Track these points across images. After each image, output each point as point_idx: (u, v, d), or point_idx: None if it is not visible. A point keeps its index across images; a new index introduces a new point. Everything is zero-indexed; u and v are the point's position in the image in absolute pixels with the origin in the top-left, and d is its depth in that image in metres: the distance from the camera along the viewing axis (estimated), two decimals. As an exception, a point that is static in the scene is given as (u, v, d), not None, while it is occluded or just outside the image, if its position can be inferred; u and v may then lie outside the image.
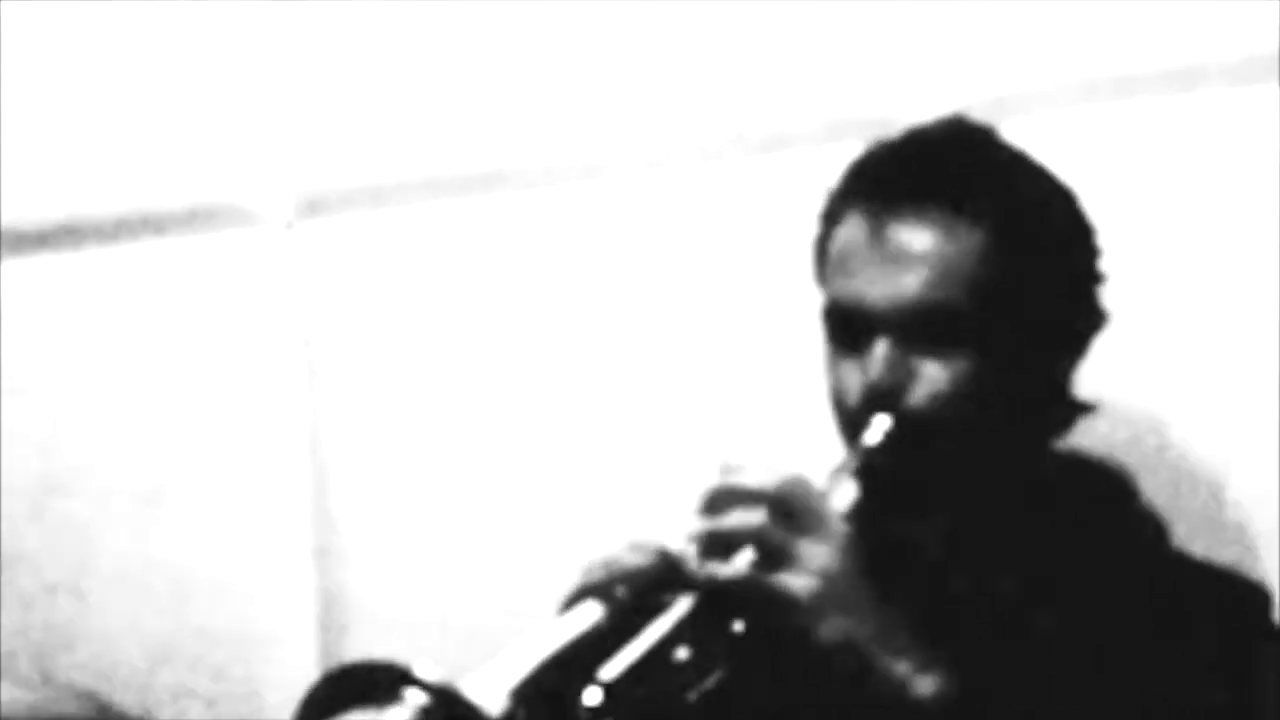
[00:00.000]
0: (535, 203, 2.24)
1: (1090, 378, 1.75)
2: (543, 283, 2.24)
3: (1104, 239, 1.73)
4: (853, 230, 1.70)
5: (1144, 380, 1.95)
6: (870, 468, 1.64)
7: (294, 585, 2.35)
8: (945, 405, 1.65)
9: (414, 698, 1.32)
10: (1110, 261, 1.74)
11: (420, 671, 1.33)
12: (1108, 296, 1.73)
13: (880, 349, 1.65)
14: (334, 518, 2.34)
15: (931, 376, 1.65)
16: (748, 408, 2.13)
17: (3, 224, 2.43)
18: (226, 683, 2.39)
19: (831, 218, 1.74)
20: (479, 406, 2.27)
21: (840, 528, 1.56)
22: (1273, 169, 1.92)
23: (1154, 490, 1.78)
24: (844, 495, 1.64)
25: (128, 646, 2.42)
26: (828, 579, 1.53)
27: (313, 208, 2.33)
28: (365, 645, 2.27)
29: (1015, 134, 1.77)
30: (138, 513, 2.41)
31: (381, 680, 1.34)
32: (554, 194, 2.23)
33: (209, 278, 2.38)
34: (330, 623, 2.33)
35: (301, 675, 2.27)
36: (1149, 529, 1.74)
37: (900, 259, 1.66)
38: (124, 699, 2.30)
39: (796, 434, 1.90)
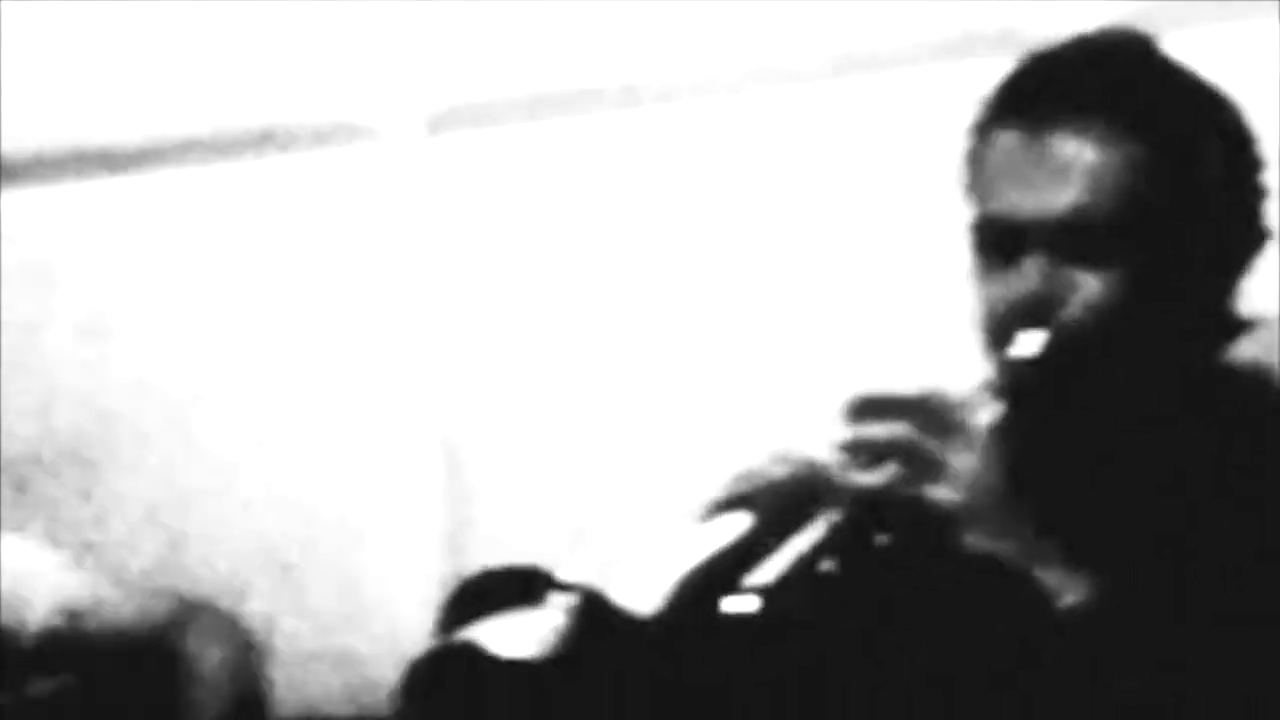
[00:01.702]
0: (661, 118, 2.23)
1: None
2: (669, 198, 2.23)
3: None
4: (1007, 143, 1.65)
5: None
6: (1019, 382, 1.61)
7: (420, 499, 2.35)
8: (1099, 319, 1.60)
9: (561, 599, 1.30)
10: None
11: (568, 573, 1.31)
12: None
13: (1033, 262, 1.61)
14: (464, 428, 2.34)
15: (1086, 290, 1.60)
16: (880, 319, 2.11)
17: (143, 139, 2.44)
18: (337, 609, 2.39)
19: (984, 130, 1.70)
20: (609, 323, 2.26)
21: (985, 440, 1.52)
22: None
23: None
24: (988, 410, 1.60)
25: (248, 567, 2.42)
26: (974, 490, 1.50)
27: (440, 123, 2.32)
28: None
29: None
30: (264, 431, 2.42)
31: (529, 583, 1.32)
32: (680, 109, 2.22)
33: (337, 194, 2.38)
34: (458, 534, 2.32)
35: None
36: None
37: (1056, 171, 1.61)
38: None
39: (928, 347, 1.86)
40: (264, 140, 2.40)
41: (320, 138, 2.37)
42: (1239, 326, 1.68)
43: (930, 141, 1.76)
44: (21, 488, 2.46)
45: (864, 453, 1.51)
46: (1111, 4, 1.97)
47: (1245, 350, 1.71)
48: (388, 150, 2.35)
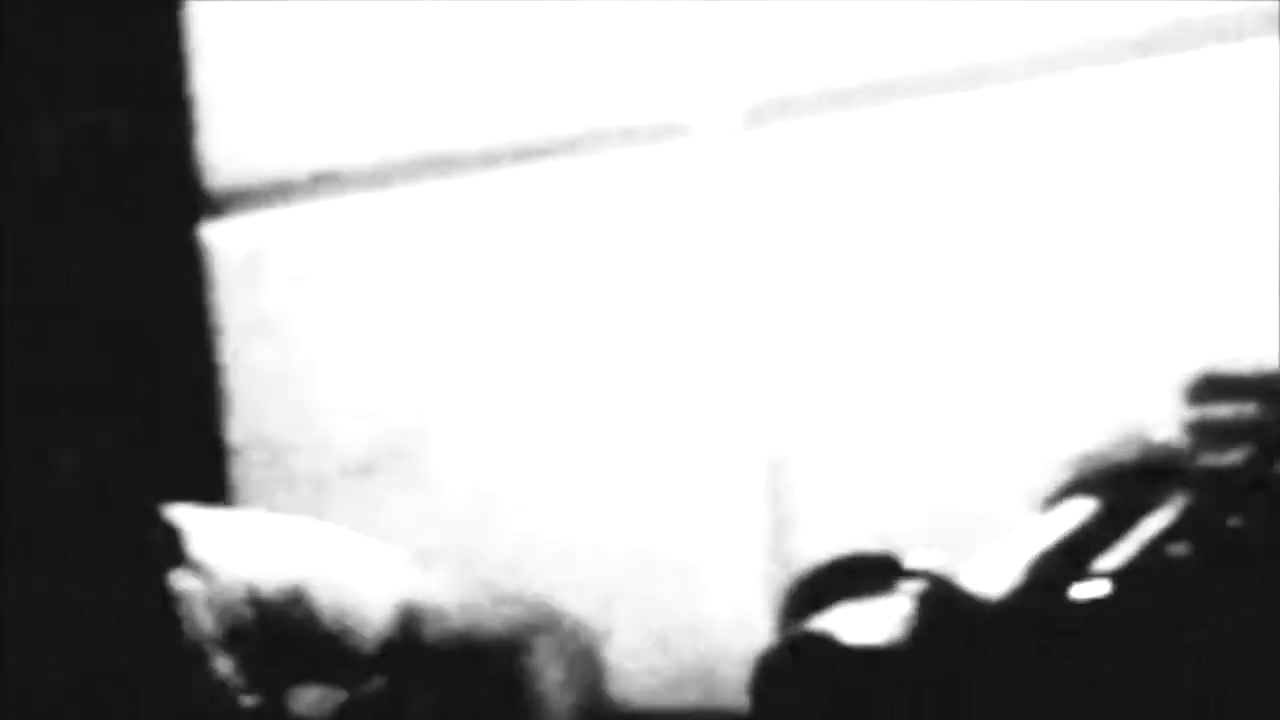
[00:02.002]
0: (975, 104, 2.18)
1: None
2: (998, 183, 2.18)
3: None
4: None
5: None
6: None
7: (743, 495, 2.34)
8: None
9: (909, 586, 1.29)
10: None
11: (915, 560, 1.30)
12: None
13: None
14: (786, 425, 2.31)
15: None
16: (1216, 293, 2.06)
17: (450, 147, 2.46)
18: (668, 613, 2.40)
19: None
20: (941, 309, 2.22)
21: None
22: None
23: None
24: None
25: (575, 565, 2.44)
26: None
27: (757, 117, 2.29)
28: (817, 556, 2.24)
29: None
30: (582, 414, 2.43)
31: (874, 570, 1.31)
32: (1017, 90, 2.17)
33: (654, 193, 2.37)
34: (780, 529, 2.30)
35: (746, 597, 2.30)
36: None
37: None
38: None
39: (1264, 318, 1.80)
40: (575, 143, 2.40)
41: (633, 137, 2.36)
42: None
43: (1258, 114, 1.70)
44: (356, 493, 2.51)
45: (1213, 433, 1.48)
46: None
47: None
48: (703, 147, 2.33)
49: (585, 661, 2.00)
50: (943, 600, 1.28)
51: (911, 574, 1.30)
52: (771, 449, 2.32)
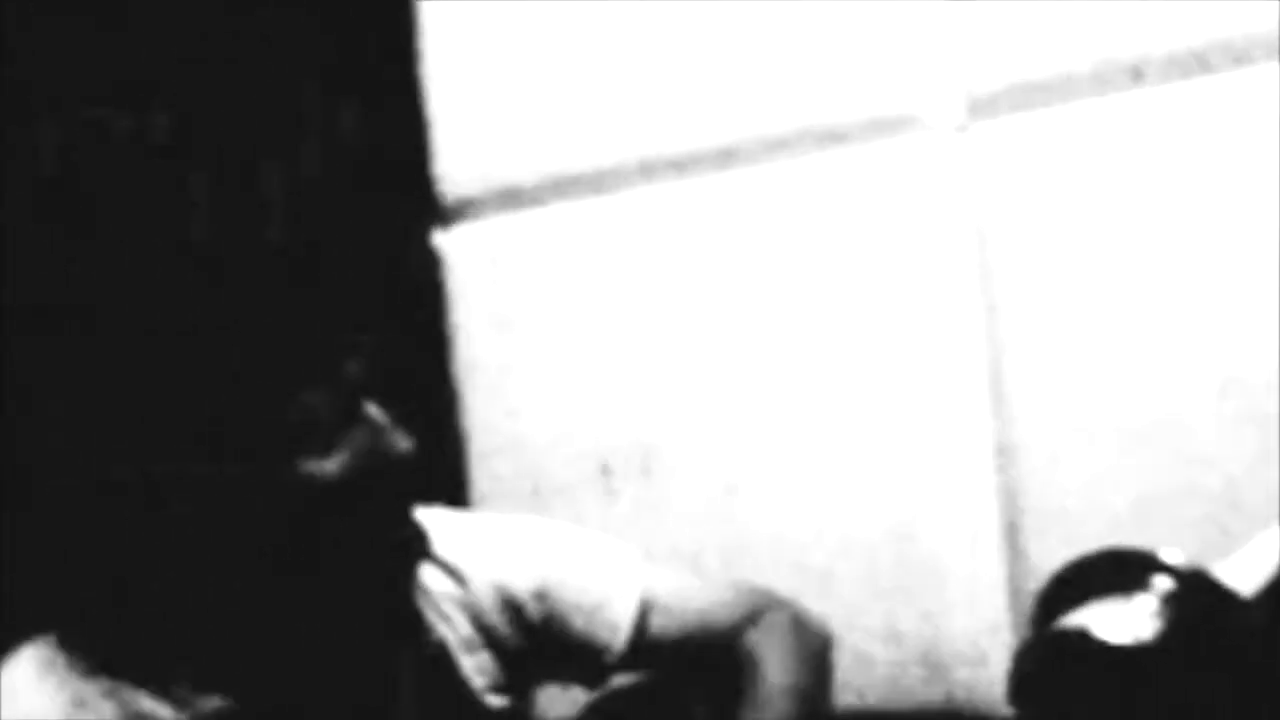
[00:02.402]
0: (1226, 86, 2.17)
1: None
2: (1219, 172, 2.17)
3: None
4: None
5: None
6: None
7: (974, 489, 2.35)
8: None
9: (1162, 583, 1.30)
10: None
11: (1168, 557, 1.30)
12: None
13: None
14: (1014, 416, 2.32)
15: None
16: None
17: (689, 149, 2.49)
18: (905, 600, 2.40)
19: None
20: (1163, 292, 2.21)
21: None
22: None
23: None
24: None
25: (806, 553, 2.45)
26: None
27: (982, 109, 2.30)
28: (1051, 550, 2.24)
29: None
30: (808, 409, 2.44)
31: (1128, 567, 1.32)
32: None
33: (882, 187, 2.38)
34: (1013, 523, 2.30)
35: (985, 588, 2.30)
36: None
37: None
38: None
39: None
40: (802, 141, 2.42)
41: (860, 132, 2.38)
42: None
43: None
44: (592, 493, 2.54)
45: None
46: None
47: None
48: (929, 140, 2.34)
49: (810, 642, 1.98)
50: (1198, 596, 1.29)
51: (1166, 570, 1.31)
52: (1001, 440, 2.33)
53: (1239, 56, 2.12)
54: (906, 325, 2.37)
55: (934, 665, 2.36)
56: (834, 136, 2.39)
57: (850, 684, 2.31)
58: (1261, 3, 2.10)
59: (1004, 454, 2.32)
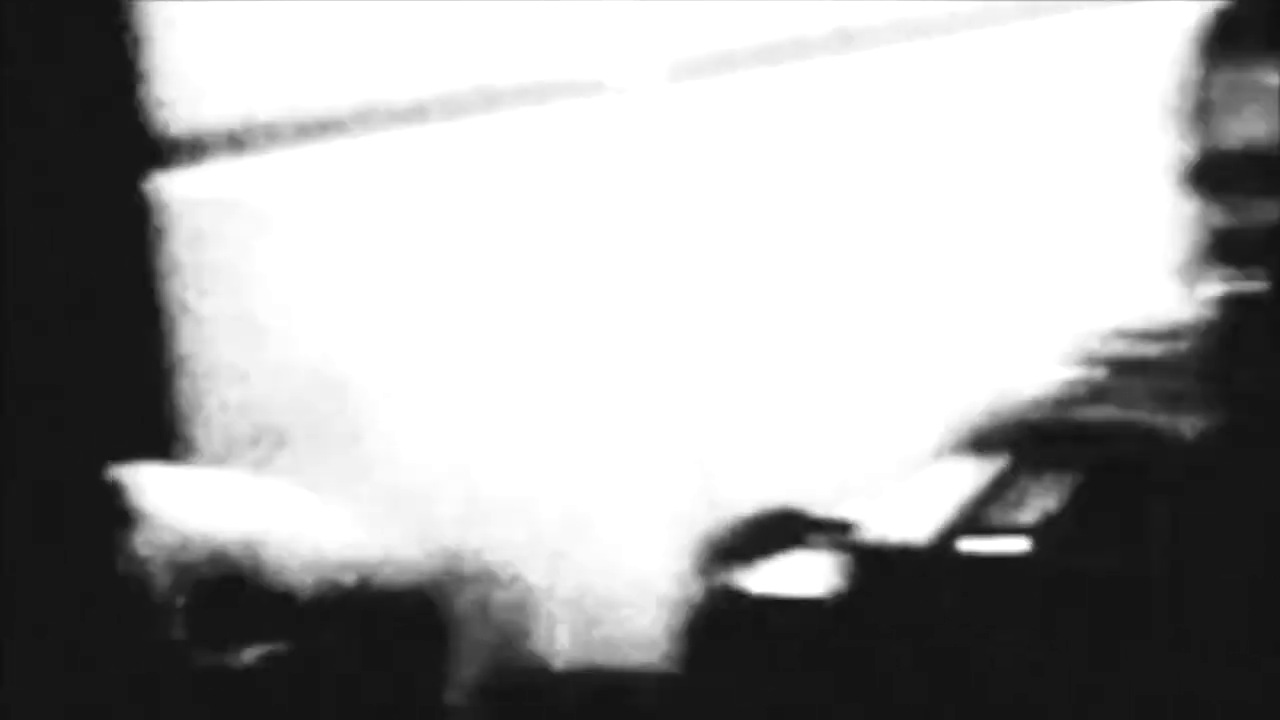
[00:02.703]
0: (901, 59, 2.25)
1: None
2: (915, 139, 2.25)
3: None
4: (1224, 77, 1.67)
5: None
6: (1239, 313, 1.61)
7: (671, 464, 2.40)
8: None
9: (829, 539, 1.36)
10: None
11: (833, 513, 1.37)
12: None
13: (1249, 194, 1.63)
14: (709, 406, 2.37)
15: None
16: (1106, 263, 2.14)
17: (370, 102, 2.49)
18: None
19: (1197, 63, 1.71)
20: (848, 275, 2.29)
21: (1222, 369, 1.55)
22: None
23: None
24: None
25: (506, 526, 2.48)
26: (1216, 417, 1.52)
27: (678, 74, 2.35)
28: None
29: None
30: (501, 397, 2.46)
31: (792, 524, 1.38)
32: (922, 49, 2.24)
33: (581, 147, 2.41)
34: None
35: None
36: None
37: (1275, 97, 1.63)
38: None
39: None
40: (503, 97, 2.44)
41: (558, 92, 2.41)
42: None
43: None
44: (295, 449, 2.54)
45: (1101, 392, 1.55)
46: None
47: None
48: (628, 102, 2.38)
49: (508, 617, 2.04)
50: (864, 552, 1.35)
51: (831, 527, 1.37)
52: (695, 397, 2.38)
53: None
54: (606, 290, 2.41)
55: (626, 629, 2.42)
56: (533, 95, 2.42)
57: (546, 647, 2.35)
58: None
59: (698, 420, 2.38)
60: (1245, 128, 1.63)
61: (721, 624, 1.38)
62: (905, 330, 2.25)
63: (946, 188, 2.23)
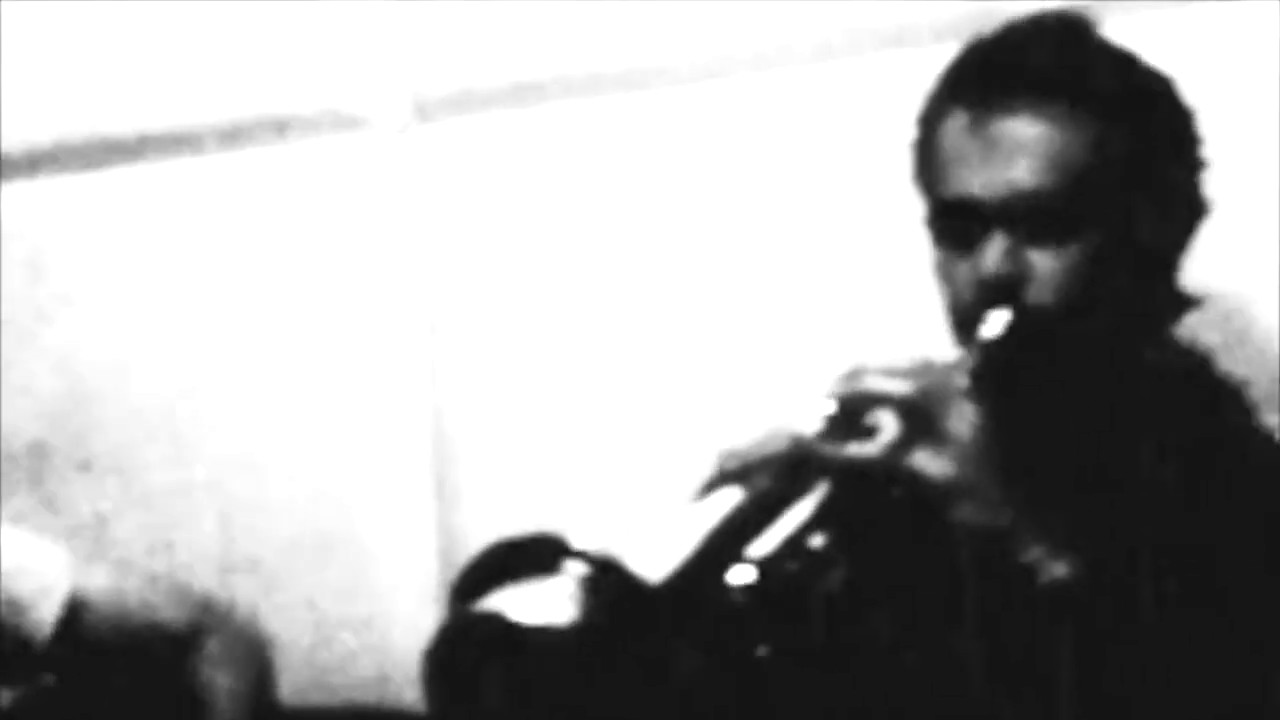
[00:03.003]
0: (645, 104, 2.27)
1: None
2: (660, 184, 2.27)
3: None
4: (959, 128, 1.71)
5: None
6: (990, 362, 1.66)
7: (413, 519, 2.40)
8: (1061, 296, 1.67)
9: (574, 568, 1.37)
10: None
11: (580, 542, 1.38)
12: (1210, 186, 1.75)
13: (995, 243, 1.67)
14: (452, 437, 2.38)
15: (1047, 268, 1.66)
16: (867, 301, 2.17)
17: (106, 133, 2.47)
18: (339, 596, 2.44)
19: (934, 118, 1.75)
20: (596, 313, 2.31)
21: (973, 415, 1.60)
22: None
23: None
24: (970, 388, 1.66)
25: (259, 544, 2.47)
26: (964, 462, 1.56)
27: (426, 112, 2.35)
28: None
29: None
30: (251, 426, 2.46)
31: (541, 552, 1.38)
32: (666, 96, 2.26)
33: (322, 184, 2.41)
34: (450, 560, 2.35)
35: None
36: (1244, 413, 1.79)
37: (1012, 152, 1.67)
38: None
39: (914, 328, 1.91)
40: (251, 131, 2.43)
41: (308, 127, 2.40)
42: (1187, 301, 1.77)
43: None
44: (29, 479, 2.49)
45: (857, 418, 1.58)
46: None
47: (1191, 325, 1.79)
48: (376, 138, 2.38)
49: (254, 661, 2.03)
50: (609, 582, 1.36)
51: (577, 556, 1.38)
52: (437, 434, 2.38)
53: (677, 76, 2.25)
54: (347, 331, 2.41)
55: (379, 651, 2.40)
56: (281, 129, 2.42)
57: (291, 681, 2.32)
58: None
59: (439, 449, 2.38)
60: (989, 177, 1.68)
61: (468, 652, 1.38)
62: (668, 358, 2.28)
63: (711, 228, 2.26)
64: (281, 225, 2.44)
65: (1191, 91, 1.75)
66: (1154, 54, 1.75)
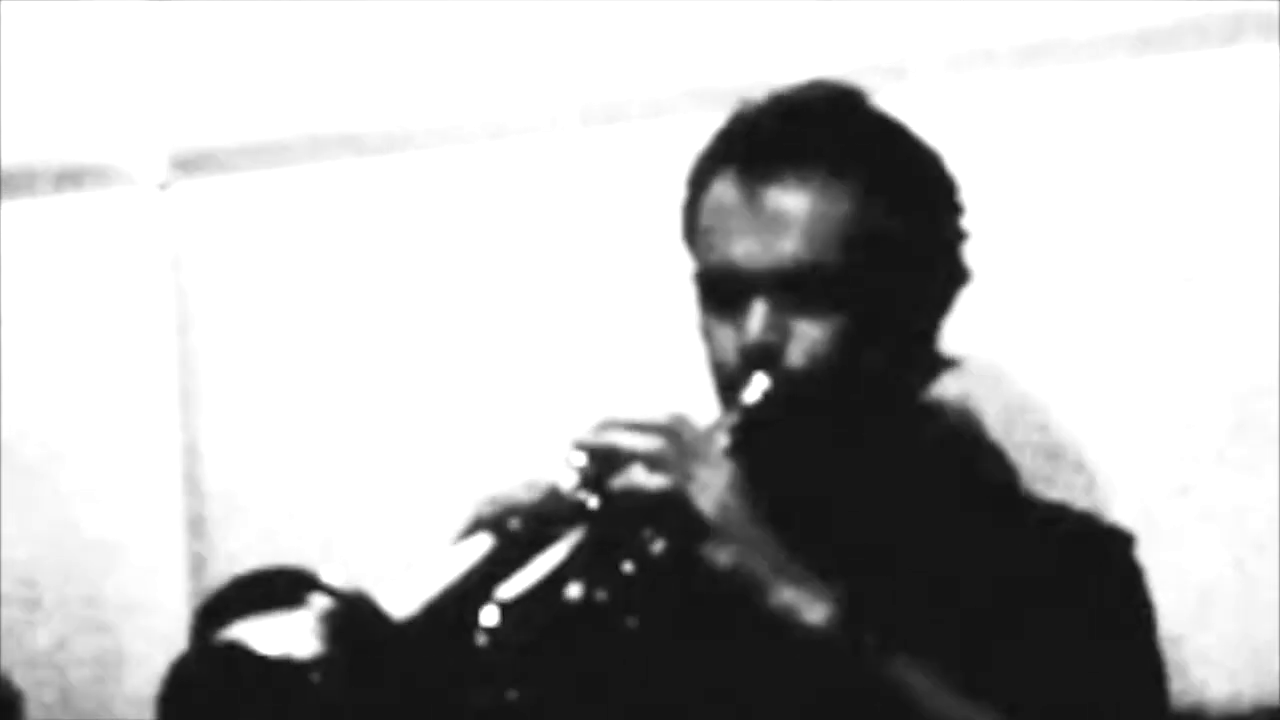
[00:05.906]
0: (407, 165, 2.28)
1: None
2: (414, 243, 2.27)
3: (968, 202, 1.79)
4: (725, 194, 1.72)
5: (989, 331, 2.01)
6: (748, 425, 1.67)
7: (165, 551, 2.37)
8: (821, 363, 1.68)
9: (320, 602, 1.35)
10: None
11: (326, 577, 1.36)
12: (969, 254, 1.78)
13: (757, 310, 1.68)
14: (206, 486, 2.36)
15: (808, 336, 1.68)
16: (629, 356, 2.19)
17: None
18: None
19: (701, 182, 1.76)
20: (355, 367, 2.30)
21: (727, 462, 1.61)
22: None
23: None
24: (728, 442, 1.67)
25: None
26: (721, 505, 1.57)
27: (186, 167, 2.34)
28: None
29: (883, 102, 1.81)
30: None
31: (286, 586, 1.36)
32: (426, 157, 2.27)
33: (80, 238, 2.38)
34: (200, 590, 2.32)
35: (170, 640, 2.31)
36: (1005, 475, 1.82)
37: (775, 221, 1.68)
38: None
39: (678, 385, 1.92)
40: (11, 183, 2.39)
41: (61, 180, 2.38)
42: (943, 364, 1.80)
43: (665, 191, 1.83)
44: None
45: (608, 461, 1.58)
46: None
47: (950, 387, 1.82)
48: (134, 194, 2.36)
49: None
50: (354, 617, 1.34)
51: (323, 589, 1.36)
52: (190, 479, 2.36)
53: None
54: (104, 386, 2.38)
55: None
56: (36, 183, 2.38)
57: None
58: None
59: (192, 492, 2.36)
60: (752, 246, 1.69)
61: (204, 681, 1.35)
62: (427, 407, 2.27)
63: (470, 283, 2.27)
64: (37, 281, 2.40)
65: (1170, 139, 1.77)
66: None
